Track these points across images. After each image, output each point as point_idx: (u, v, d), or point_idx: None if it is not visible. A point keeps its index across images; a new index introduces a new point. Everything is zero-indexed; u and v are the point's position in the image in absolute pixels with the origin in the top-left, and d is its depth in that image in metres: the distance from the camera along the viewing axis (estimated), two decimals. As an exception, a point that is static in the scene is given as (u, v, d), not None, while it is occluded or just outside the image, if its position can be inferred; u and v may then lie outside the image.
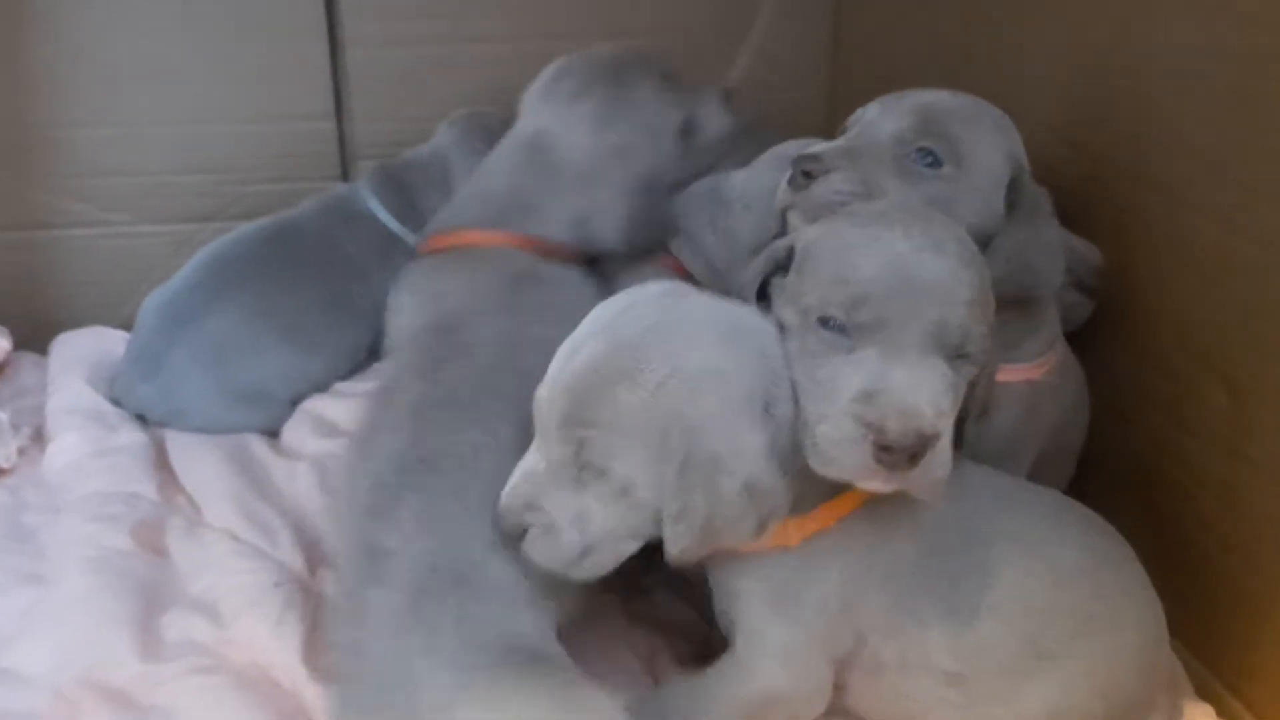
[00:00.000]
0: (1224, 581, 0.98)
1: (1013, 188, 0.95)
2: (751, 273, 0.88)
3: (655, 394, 0.78)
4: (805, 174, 0.93)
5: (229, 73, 1.57)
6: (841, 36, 1.70)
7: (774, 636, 0.86)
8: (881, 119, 0.96)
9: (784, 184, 0.95)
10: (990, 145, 0.95)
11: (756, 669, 0.86)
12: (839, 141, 0.97)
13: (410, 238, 1.47)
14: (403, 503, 0.89)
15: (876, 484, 0.76)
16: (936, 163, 0.93)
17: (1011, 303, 0.93)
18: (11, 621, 1.05)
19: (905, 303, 0.76)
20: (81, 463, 1.27)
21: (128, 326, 1.47)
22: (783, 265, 0.86)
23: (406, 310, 1.21)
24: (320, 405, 1.40)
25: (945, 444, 0.75)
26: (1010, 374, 0.98)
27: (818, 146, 0.96)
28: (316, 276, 1.43)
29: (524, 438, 0.88)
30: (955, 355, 0.77)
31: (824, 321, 0.78)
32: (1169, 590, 0.92)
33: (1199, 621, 0.99)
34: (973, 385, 0.82)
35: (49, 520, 1.20)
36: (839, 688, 0.89)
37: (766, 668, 0.86)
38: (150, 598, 1.07)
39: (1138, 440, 1.10)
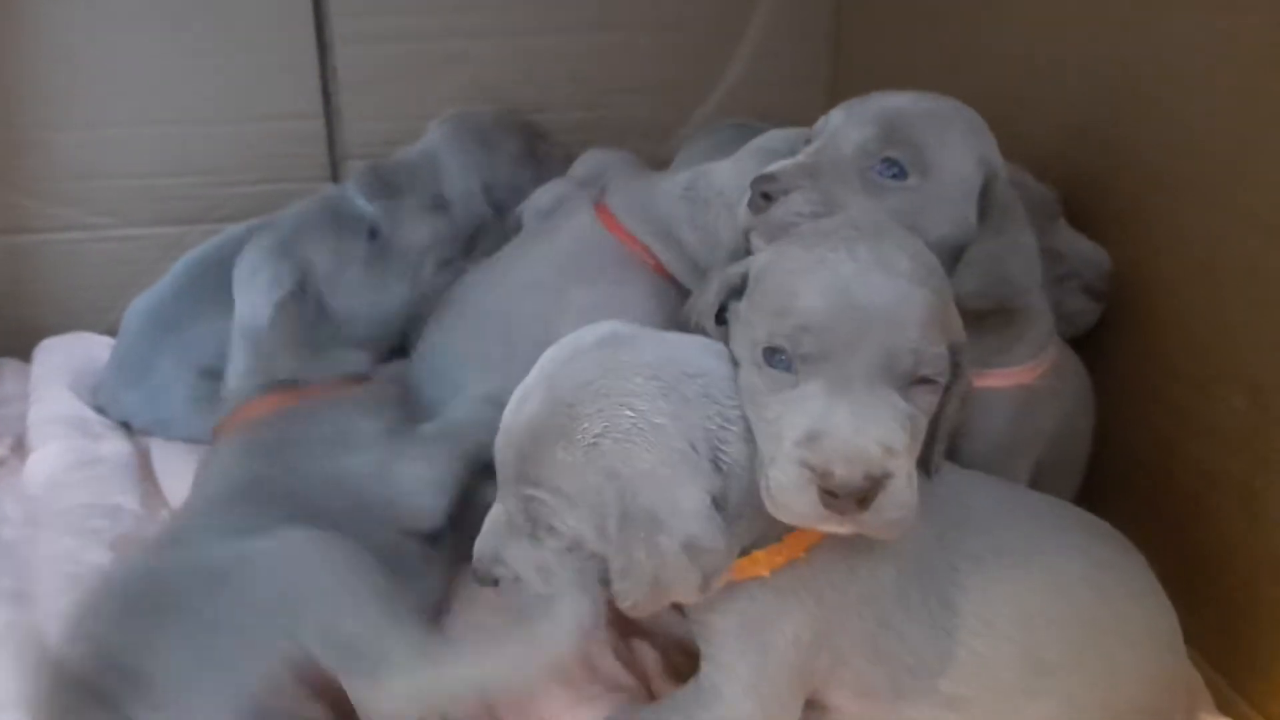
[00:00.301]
0: (1245, 589, 0.94)
1: (984, 195, 0.91)
2: (705, 300, 0.85)
3: (589, 453, 0.76)
4: (764, 195, 0.90)
5: (214, 72, 1.54)
6: (842, 33, 1.67)
7: (743, 668, 0.82)
8: (845, 128, 0.92)
9: (744, 206, 0.92)
10: (960, 152, 0.91)
11: (723, 698, 0.83)
12: (800, 157, 0.93)
13: (401, 240, 1.44)
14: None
15: (831, 527, 0.72)
16: (901, 174, 0.90)
17: (995, 309, 0.90)
18: (-6, 635, 1.01)
19: (849, 331, 0.71)
20: (63, 474, 1.24)
21: (113, 332, 1.44)
22: (738, 291, 0.82)
23: None
24: (308, 412, 1.36)
25: (899, 483, 0.70)
26: (1000, 378, 0.95)
27: (776, 165, 0.92)
28: (304, 280, 1.39)
29: None
30: (910, 383, 0.73)
31: (769, 355, 0.75)
32: (1186, 600, 0.88)
33: (1219, 632, 0.96)
34: (941, 405, 0.78)
35: (29, 535, 1.16)
36: (828, 709, 0.86)
37: (734, 698, 0.82)
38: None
39: (1148, 446, 1.06)
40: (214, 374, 1.32)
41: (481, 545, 0.84)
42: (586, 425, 0.76)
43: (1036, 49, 1.22)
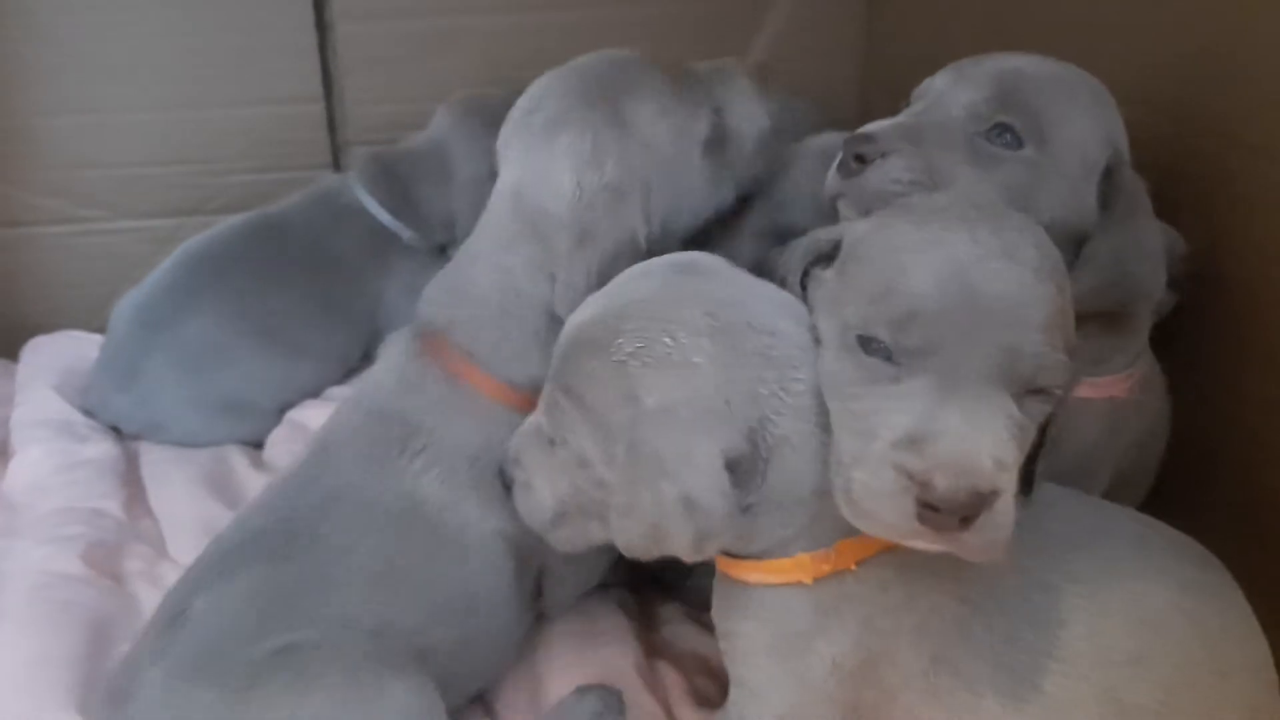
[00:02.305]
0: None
1: (1107, 178, 0.83)
2: (791, 260, 0.76)
3: (616, 370, 0.72)
4: (858, 157, 0.82)
5: (208, 54, 1.47)
6: (875, 10, 1.59)
7: (775, 697, 0.75)
8: (954, 90, 0.84)
9: (834, 169, 0.84)
10: (1084, 125, 0.83)
11: None
12: (900, 117, 0.85)
13: (405, 233, 1.39)
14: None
15: (920, 544, 0.63)
16: (1015, 142, 0.82)
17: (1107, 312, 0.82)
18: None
19: (966, 325, 0.63)
20: (45, 479, 1.18)
21: (102, 330, 1.39)
22: (826, 257, 0.74)
23: None
24: (308, 414, 1.31)
25: (1006, 501, 0.62)
26: (1093, 390, 0.86)
27: (874, 125, 0.84)
28: (303, 276, 1.35)
29: None
30: (1027, 391, 0.65)
31: (865, 342, 0.66)
32: (1276, 626, 0.78)
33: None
34: (1049, 417, 0.69)
35: (7, 546, 1.09)
36: None
37: None
38: (98, 633, 0.97)
39: (1238, 450, 0.96)
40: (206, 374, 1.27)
41: (509, 444, 0.83)
42: (622, 341, 0.72)
43: (1094, 12, 1.12)
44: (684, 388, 0.70)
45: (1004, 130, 0.82)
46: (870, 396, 0.65)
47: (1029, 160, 0.81)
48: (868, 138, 0.82)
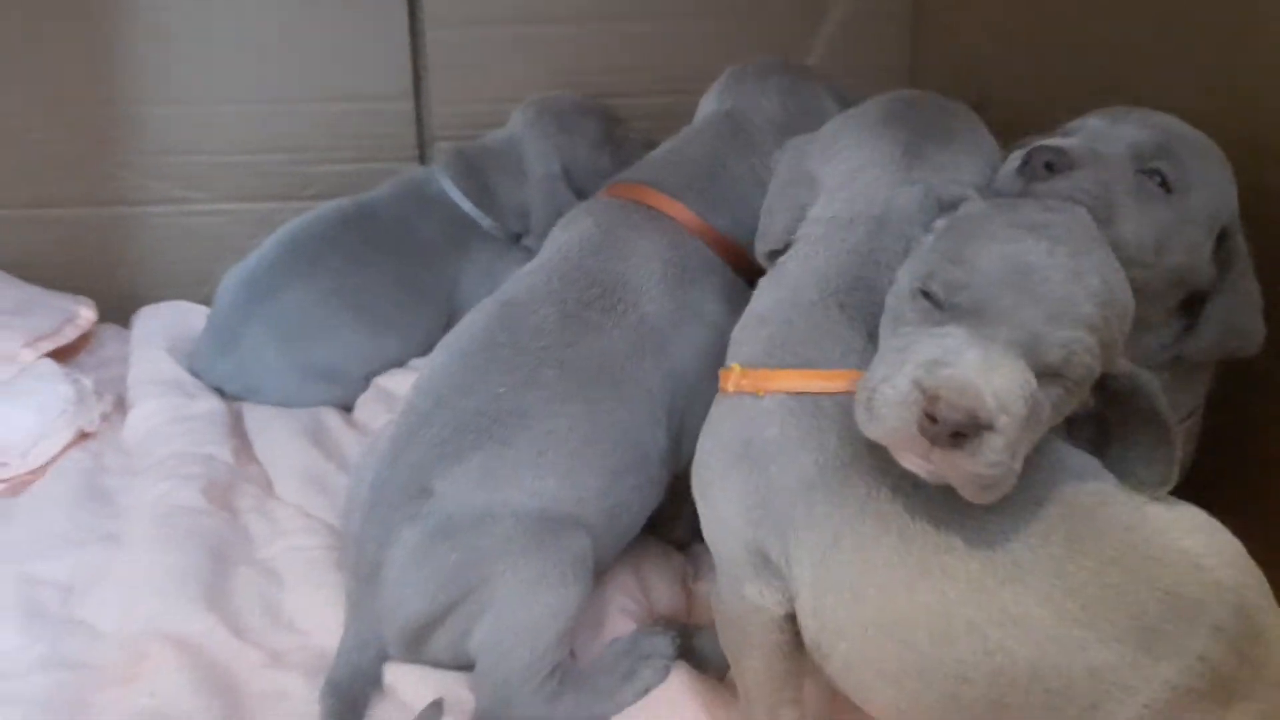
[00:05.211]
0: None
1: (1223, 239, 0.90)
2: (925, 206, 0.86)
3: None
4: (1048, 165, 0.85)
5: (308, 52, 1.59)
6: (921, 18, 1.67)
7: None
8: (1115, 128, 0.89)
9: (1014, 169, 0.88)
10: (1217, 187, 0.89)
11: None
12: (1077, 139, 0.89)
13: (485, 221, 1.49)
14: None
15: (915, 456, 0.70)
16: (1165, 187, 0.87)
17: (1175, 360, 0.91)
18: (87, 577, 1.08)
19: (1009, 305, 0.71)
20: (160, 428, 1.31)
21: (207, 302, 1.51)
22: (947, 209, 0.83)
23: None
24: (393, 381, 1.42)
25: (997, 441, 0.68)
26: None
27: (1063, 140, 0.88)
28: (391, 258, 1.45)
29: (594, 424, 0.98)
30: (1048, 372, 0.71)
31: (925, 293, 0.74)
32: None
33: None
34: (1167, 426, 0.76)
35: (127, 483, 1.23)
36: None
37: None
38: (219, 556, 1.09)
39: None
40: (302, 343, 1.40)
41: None
42: None
43: (1137, 34, 1.17)
44: None
45: (1156, 174, 0.87)
46: (914, 335, 0.73)
47: (1173, 205, 0.87)
48: (1062, 151, 0.85)
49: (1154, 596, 0.71)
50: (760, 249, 0.95)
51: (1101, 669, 0.70)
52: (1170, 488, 0.76)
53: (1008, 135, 0.97)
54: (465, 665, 0.94)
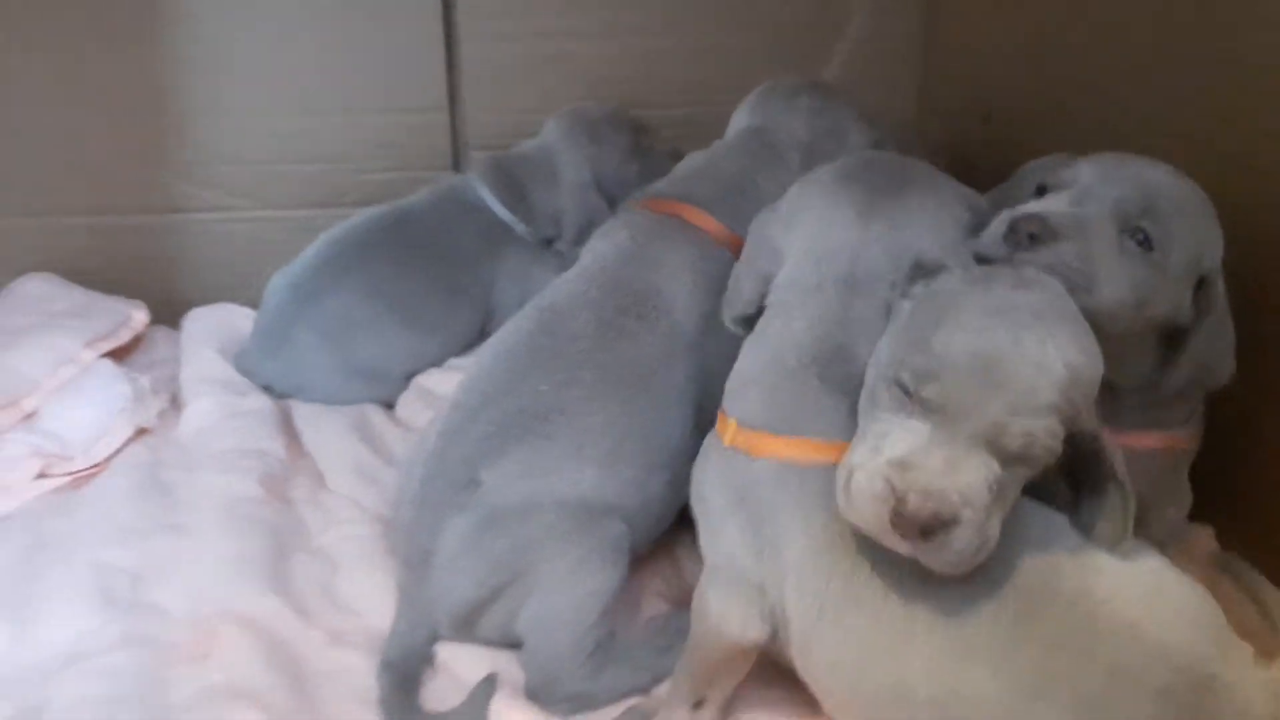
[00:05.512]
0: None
1: (1202, 285, 0.93)
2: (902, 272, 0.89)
3: None
4: (1031, 236, 0.87)
5: (349, 68, 1.66)
6: (933, 32, 1.73)
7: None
8: (1103, 187, 0.91)
9: (1000, 235, 0.89)
10: (1196, 240, 0.92)
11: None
12: (1060, 204, 0.91)
13: (519, 226, 1.56)
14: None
15: (892, 543, 0.77)
16: (1148, 245, 0.89)
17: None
18: (154, 564, 1.14)
19: (973, 399, 0.75)
20: (214, 425, 1.37)
21: (251, 304, 1.59)
22: (925, 276, 0.86)
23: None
24: (432, 380, 1.49)
25: (965, 531, 0.74)
26: (1161, 441, 0.99)
27: (1036, 206, 0.91)
28: (430, 261, 1.51)
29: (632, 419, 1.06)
30: (1011, 458, 0.77)
31: (898, 382, 0.79)
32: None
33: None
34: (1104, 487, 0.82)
35: (185, 476, 1.29)
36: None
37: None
38: (278, 543, 1.16)
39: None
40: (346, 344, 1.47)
41: None
42: None
43: (1140, 42, 1.21)
44: None
45: (1140, 232, 0.89)
46: (888, 422, 0.79)
47: (1155, 263, 0.89)
48: (1044, 221, 0.87)
49: (1099, 671, 0.76)
50: (727, 315, 1.03)
51: None
52: (1124, 542, 0.81)
53: (1014, 152, 1.02)
54: (513, 644, 1.01)
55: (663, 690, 0.98)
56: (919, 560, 0.77)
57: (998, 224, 0.90)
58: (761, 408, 0.91)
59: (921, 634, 0.80)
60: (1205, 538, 1.11)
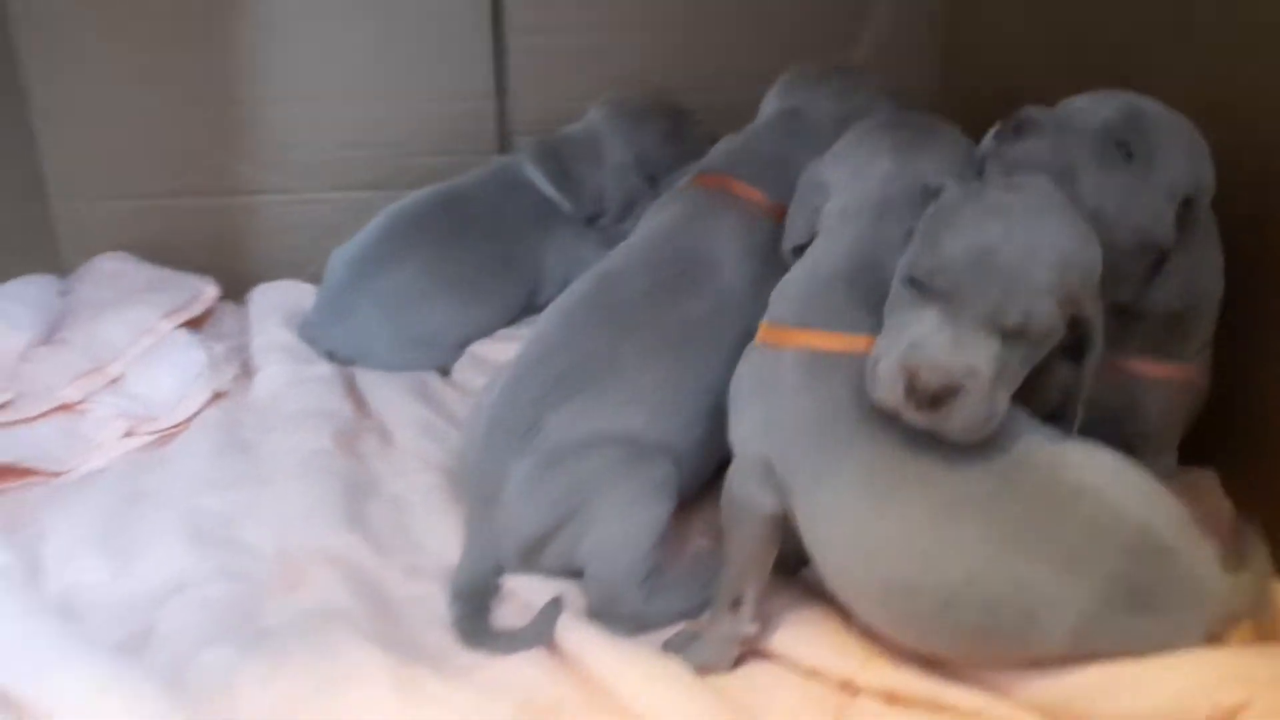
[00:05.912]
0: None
1: (1187, 206, 1.01)
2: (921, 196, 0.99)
3: None
4: (1017, 129, 1.01)
5: (404, 57, 1.76)
6: (954, 13, 1.81)
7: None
8: (1095, 106, 1.02)
9: (992, 133, 1.04)
10: (1179, 160, 1.00)
11: None
12: (1055, 110, 1.03)
13: (565, 205, 1.65)
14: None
15: (909, 415, 0.88)
16: (1129, 157, 0.99)
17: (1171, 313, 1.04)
18: (241, 508, 1.24)
19: (973, 281, 0.86)
20: (285, 389, 1.48)
21: (313, 281, 1.69)
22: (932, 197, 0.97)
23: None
24: (485, 348, 1.58)
25: (971, 398, 0.86)
26: (1166, 371, 1.07)
27: (1036, 110, 1.02)
28: (482, 237, 1.60)
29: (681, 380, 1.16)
30: (1012, 334, 0.87)
31: (911, 279, 0.90)
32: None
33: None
34: (1080, 376, 0.94)
35: (262, 435, 1.39)
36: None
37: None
38: (353, 490, 1.26)
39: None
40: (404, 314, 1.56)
41: None
42: None
43: (1160, 37, 1.25)
44: None
45: (1123, 145, 1.00)
46: (905, 316, 0.91)
47: (1135, 173, 0.99)
48: (1030, 117, 1.00)
49: (1071, 524, 0.87)
50: (785, 246, 1.13)
51: (1030, 584, 0.86)
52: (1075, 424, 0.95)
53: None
54: (573, 573, 1.11)
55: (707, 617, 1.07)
56: (934, 431, 0.88)
57: (994, 128, 1.03)
58: (792, 308, 1.03)
59: (913, 491, 0.91)
60: (1209, 480, 1.14)
